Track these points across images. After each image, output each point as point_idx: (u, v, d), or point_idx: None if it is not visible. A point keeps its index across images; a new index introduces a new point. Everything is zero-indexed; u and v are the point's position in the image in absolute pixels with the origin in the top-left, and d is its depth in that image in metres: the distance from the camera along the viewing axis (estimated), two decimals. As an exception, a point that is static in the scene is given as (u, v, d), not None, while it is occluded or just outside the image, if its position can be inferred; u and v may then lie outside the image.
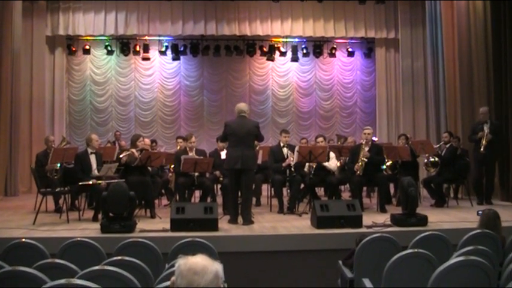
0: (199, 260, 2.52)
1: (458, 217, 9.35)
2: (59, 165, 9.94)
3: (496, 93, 12.09)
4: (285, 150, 10.61)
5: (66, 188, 9.64)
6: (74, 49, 17.16)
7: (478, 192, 11.25)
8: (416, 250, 4.88)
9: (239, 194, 9.08)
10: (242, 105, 9.30)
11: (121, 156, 9.93)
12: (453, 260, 4.22)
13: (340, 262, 6.10)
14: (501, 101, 11.93)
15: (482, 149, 10.87)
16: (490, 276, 4.18)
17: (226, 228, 8.39)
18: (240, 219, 8.84)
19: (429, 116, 15.39)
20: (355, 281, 5.48)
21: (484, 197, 11.09)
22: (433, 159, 11.24)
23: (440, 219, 9.05)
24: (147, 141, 11.52)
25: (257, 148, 10.83)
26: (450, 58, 13.25)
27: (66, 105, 17.46)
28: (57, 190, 9.69)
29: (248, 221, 8.73)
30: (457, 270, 4.12)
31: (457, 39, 12.94)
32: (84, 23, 15.80)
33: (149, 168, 10.20)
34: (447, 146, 11.42)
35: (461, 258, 4.26)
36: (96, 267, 4.05)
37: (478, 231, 5.76)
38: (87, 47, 17.17)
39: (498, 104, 11.99)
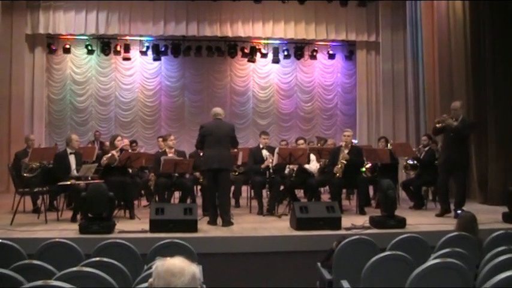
0: (177, 262, 2.54)
1: (436, 219, 9.44)
2: (38, 164, 9.85)
3: (475, 96, 12.21)
4: (264, 151, 10.63)
5: (44, 188, 9.56)
6: (54, 48, 17.04)
7: (442, 201, 10.03)
8: (394, 252, 4.92)
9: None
10: (218, 109, 9.41)
11: (104, 159, 9.91)
12: (430, 262, 4.26)
13: (319, 264, 6.13)
14: (480, 104, 12.05)
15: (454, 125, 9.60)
16: (466, 278, 4.23)
17: (205, 229, 8.40)
18: (219, 220, 8.84)
19: (409, 118, 15.49)
20: (333, 282, 5.50)
21: (455, 206, 9.72)
22: (412, 162, 11.32)
23: (419, 221, 9.13)
24: (127, 141, 11.48)
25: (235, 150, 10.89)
26: (430, 61, 13.37)
27: (46, 104, 17.31)
28: (35, 190, 9.60)
29: (227, 222, 8.74)
30: (434, 272, 4.16)
31: (437, 42, 13.07)
32: (65, 22, 15.68)
33: (129, 170, 10.16)
34: (426, 149, 11.48)
35: (438, 260, 4.30)
36: (74, 269, 4.03)
37: (455, 233, 5.83)
38: (68, 46, 17.06)
39: (477, 107, 12.10)
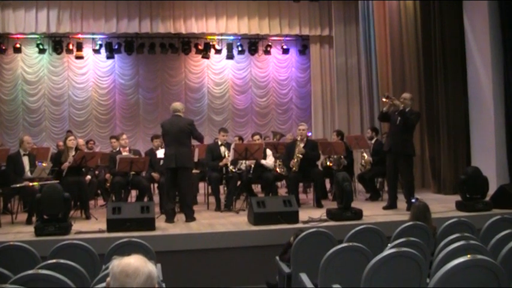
0: (132, 262, 2.50)
1: (392, 210, 9.56)
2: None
3: (426, 89, 12.46)
4: (222, 148, 10.62)
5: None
6: (3, 47, 16.74)
7: (391, 194, 9.89)
8: (351, 243, 4.97)
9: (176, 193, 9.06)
10: (176, 104, 9.35)
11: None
12: (386, 252, 4.33)
13: (278, 258, 6.18)
14: (431, 97, 12.29)
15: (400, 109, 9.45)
16: (421, 266, 4.31)
17: (163, 227, 8.36)
18: (176, 218, 8.85)
19: (363, 111, 15.61)
20: (292, 275, 5.55)
21: (405, 197, 9.67)
22: (365, 155, 11.49)
23: (375, 212, 9.28)
24: (81, 141, 11.33)
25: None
26: (383, 55, 13.51)
27: (-3, 105, 17.02)
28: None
29: (190, 217, 8.80)
30: (390, 261, 4.22)
31: (389, 37, 13.23)
32: (15, 21, 15.28)
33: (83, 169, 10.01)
34: (372, 141, 11.63)
35: (393, 250, 4.37)
36: (30, 271, 3.95)
37: (410, 223, 5.94)
38: (18, 45, 16.76)
39: (429, 99, 12.34)
